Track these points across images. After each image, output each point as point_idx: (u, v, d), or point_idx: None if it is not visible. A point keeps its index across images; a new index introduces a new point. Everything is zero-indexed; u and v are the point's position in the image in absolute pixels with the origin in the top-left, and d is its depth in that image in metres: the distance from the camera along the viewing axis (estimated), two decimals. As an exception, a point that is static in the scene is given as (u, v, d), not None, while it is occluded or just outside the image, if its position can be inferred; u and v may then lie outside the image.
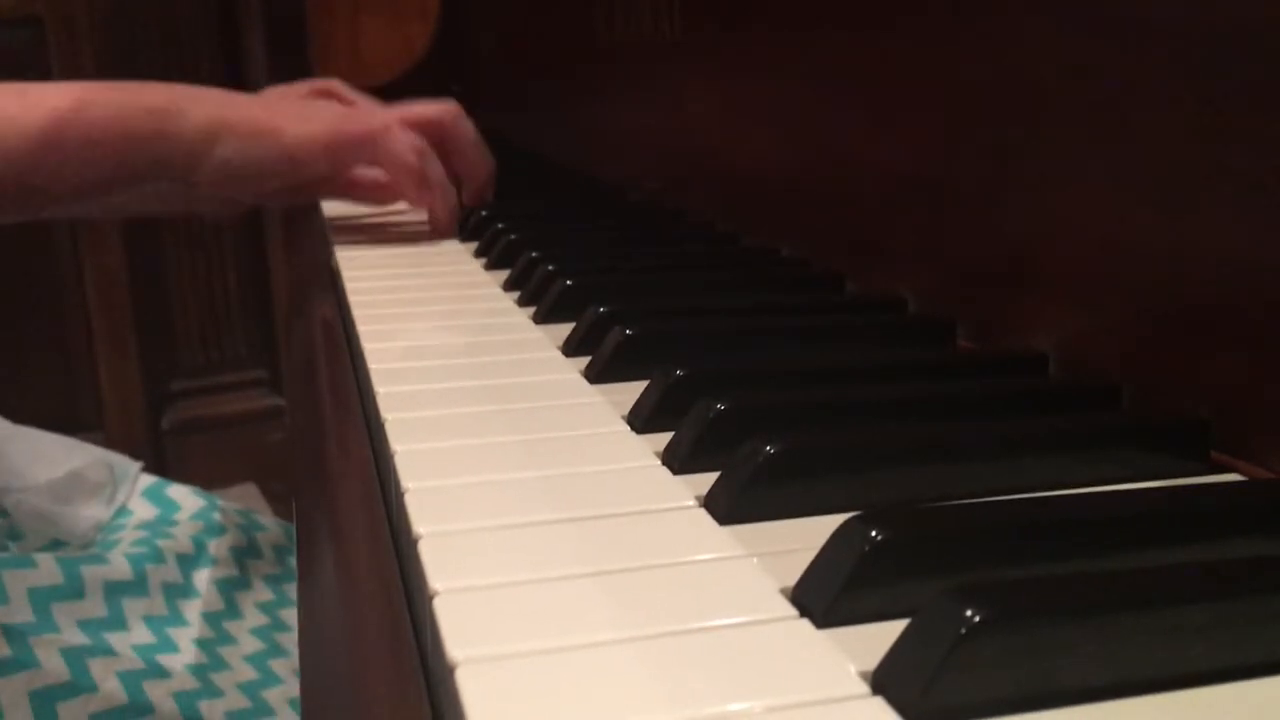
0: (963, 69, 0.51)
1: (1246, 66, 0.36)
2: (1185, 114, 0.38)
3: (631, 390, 0.43)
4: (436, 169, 0.77)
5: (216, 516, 0.82)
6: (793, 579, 0.28)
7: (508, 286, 0.64)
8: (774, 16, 0.69)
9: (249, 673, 0.72)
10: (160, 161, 0.67)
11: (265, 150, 0.68)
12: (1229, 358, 0.37)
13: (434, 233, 0.80)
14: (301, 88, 0.97)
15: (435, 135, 0.80)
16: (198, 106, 0.67)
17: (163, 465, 1.99)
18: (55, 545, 0.77)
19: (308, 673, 0.32)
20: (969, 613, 0.22)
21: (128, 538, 0.78)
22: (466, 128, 0.82)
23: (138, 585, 0.71)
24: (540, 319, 0.56)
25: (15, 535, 0.75)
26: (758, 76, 0.72)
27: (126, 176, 0.68)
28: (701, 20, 0.80)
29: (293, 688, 0.72)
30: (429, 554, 0.30)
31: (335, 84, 0.97)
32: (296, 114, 0.70)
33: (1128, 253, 0.41)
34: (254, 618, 0.78)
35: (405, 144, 0.74)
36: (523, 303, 0.60)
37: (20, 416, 0.84)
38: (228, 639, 0.74)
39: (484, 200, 0.85)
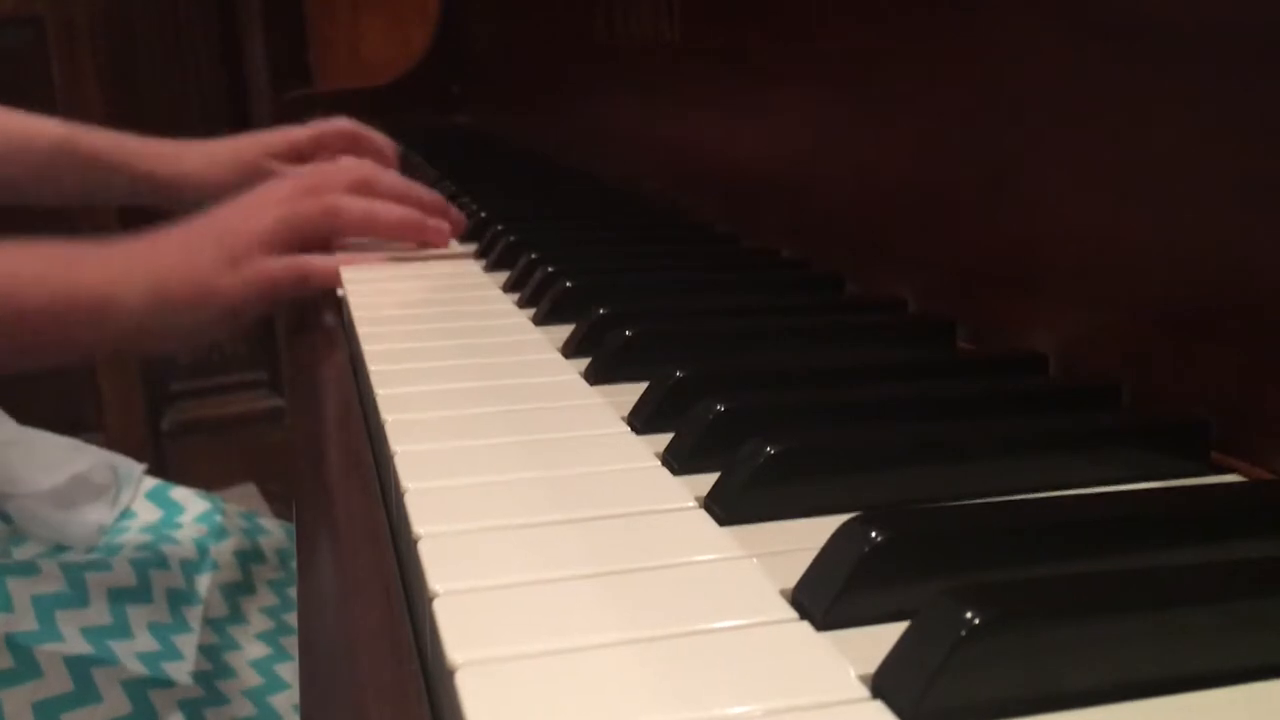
0: (963, 69, 0.51)
1: (1247, 67, 0.36)
2: (1186, 114, 0.38)
3: (631, 391, 0.43)
4: (386, 182, 0.75)
5: (220, 520, 0.82)
6: (793, 580, 0.28)
7: (508, 288, 0.64)
8: (773, 17, 0.69)
9: (254, 679, 0.72)
10: (94, 342, 0.67)
11: (206, 314, 0.67)
12: (1229, 358, 0.37)
13: (431, 243, 0.78)
14: (261, 140, 0.96)
15: (350, 148, 0.78)
16: (134, 284, 0.65)
17: (162, 466, 1.99)
18: (59, 550, 0.77)
19: (307, 674, 0.32)
20: (969, 614, 0.22)
21: (131, 541, 0.78)
22: (387, 180, 0.79)
23: (141, 592, 0.71)
24: (540, 320, 0.56)
25: (19, 540, 0.75)
26: (757, 77, 0.72)
27: (52, 354, 0.67)
28: (701, 22, 0.80)
29: (298, 693, 0.72)
30: (429, 555, 0.30)
31: (287, 131, 0.96)
32: (221, 266, 0.67)
33: (1128, 253, 0.41)
34: (258, 623, 0.77)
35: (329, 265, 0.70)
36: (523, 304, 0.60)
37: (20, 417, 0.84)
38: (232, 645, 0.74)
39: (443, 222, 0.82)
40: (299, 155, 0.97)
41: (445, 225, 0.76)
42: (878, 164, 0.58)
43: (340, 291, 0.67)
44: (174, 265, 0.66)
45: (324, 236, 0.72)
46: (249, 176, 0.87)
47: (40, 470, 0.78)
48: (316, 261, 0.69)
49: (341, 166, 0.81)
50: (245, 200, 0.72)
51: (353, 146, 0.99)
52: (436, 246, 0.76)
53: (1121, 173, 0.41)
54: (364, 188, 0.74)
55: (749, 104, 0.73)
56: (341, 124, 1.00)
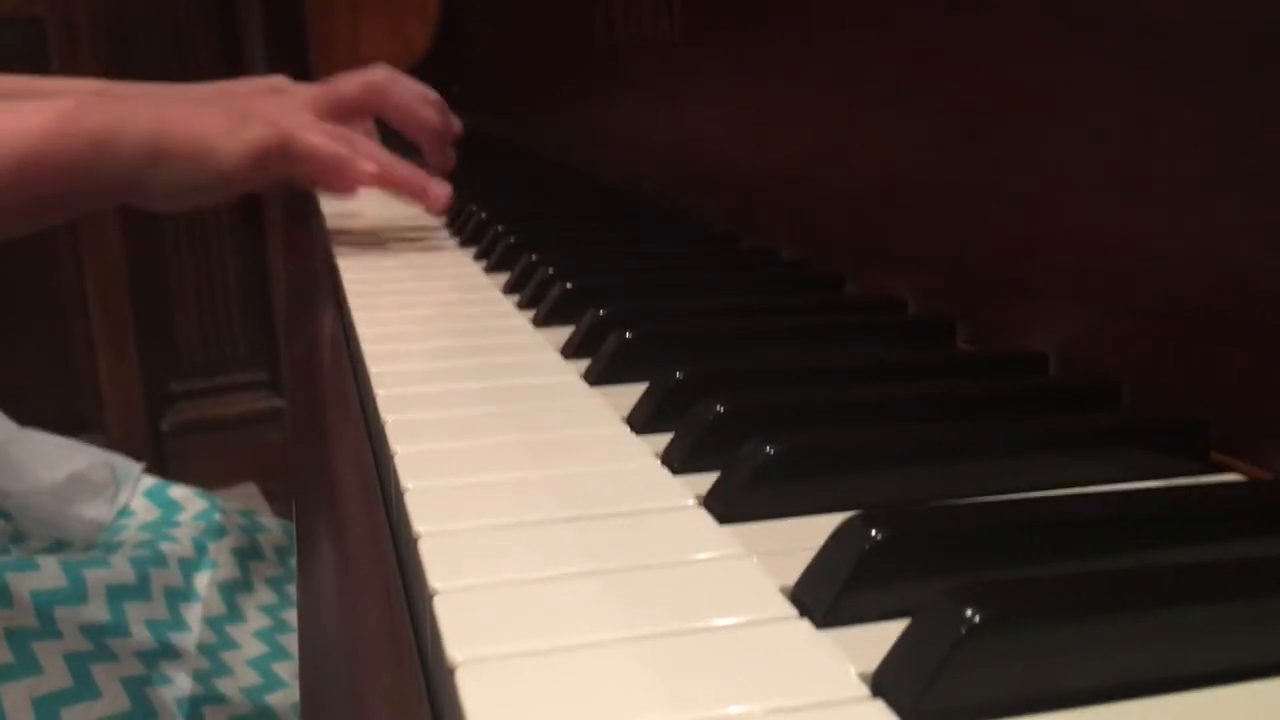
0: (963, 69, 0.51)
1: (1247, 67, 0.36)
2: (1186, 114, 0.39)
3: (631, 392, 0.43)
4: (366, 145, 0.75)
5: (218, 518, 0.82)
6: (793, 578, 0.28)
7: (508, 289, 0.64)
8: (774, 17, 0.69)
9: (253, 677, 0.72)
10: (98, 188, 0.67)
11: (200, 172, 0.67)
12: (1229, 358, 0.37)
13: (427, 205, 0.79)
14: (245, 86, 0.97)
15: (373, 107, 0.79)
16: (134, 126, 0.66)
17: (163, 466, 1.99)
18: (58, 547, 0.77)
19: (307, 673, 0.32)
20: (969, 613, 0.22)
21: (130, 539, 0.78)
22: (402, 86, 0.80)
23: (140, 589, 0.71)
24: (540, 321, 0.56)
25: (18, 538, 0.75)
26: (757, 77, 0.72)
27: (61, 201, 0.68)
28: (701, 20, 0.80)
29: (296, 692, 0.72)
30: (429, 553, 0.30)
31: (281, 81, 0.97)
32: (228, 128, 0.68)
33: (1128, 253, 0.41)
34: (256, 620, 0.77)
35: (315, 142, 0.71)
36: (523, 305, 0.60)
37: (20, 417, 0.84)
38: (230, 643, 0.74)
39: (448, 158, 0.83)
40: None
41: (445, 191, 0.79)
42: (878, 164, 0.58)
43: (337, 269, 0.68)
44: (177, 117, 0.68)
45: (362, 117, 0.72)
46: None
47: (39, 468, 0.78)
48: (311, 133, 0.71)
49: (352, 78, 0.81)
50: (268, 99, 0.73)
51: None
52: (433, 211, 0.80)
53: (1122, 173, 0.41)
54: (374, 98, 0.77)
55: (749, 103, 0.73)
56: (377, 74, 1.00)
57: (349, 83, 0.79)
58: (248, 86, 0.97)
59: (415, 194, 0.79)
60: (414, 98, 0.82)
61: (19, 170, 0.63)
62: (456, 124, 0.85)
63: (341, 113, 0.77)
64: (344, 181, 0.74)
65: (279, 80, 0.97)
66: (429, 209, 0.81)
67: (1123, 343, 0.42)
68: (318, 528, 0.40)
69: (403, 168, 0.78)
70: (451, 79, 1.72)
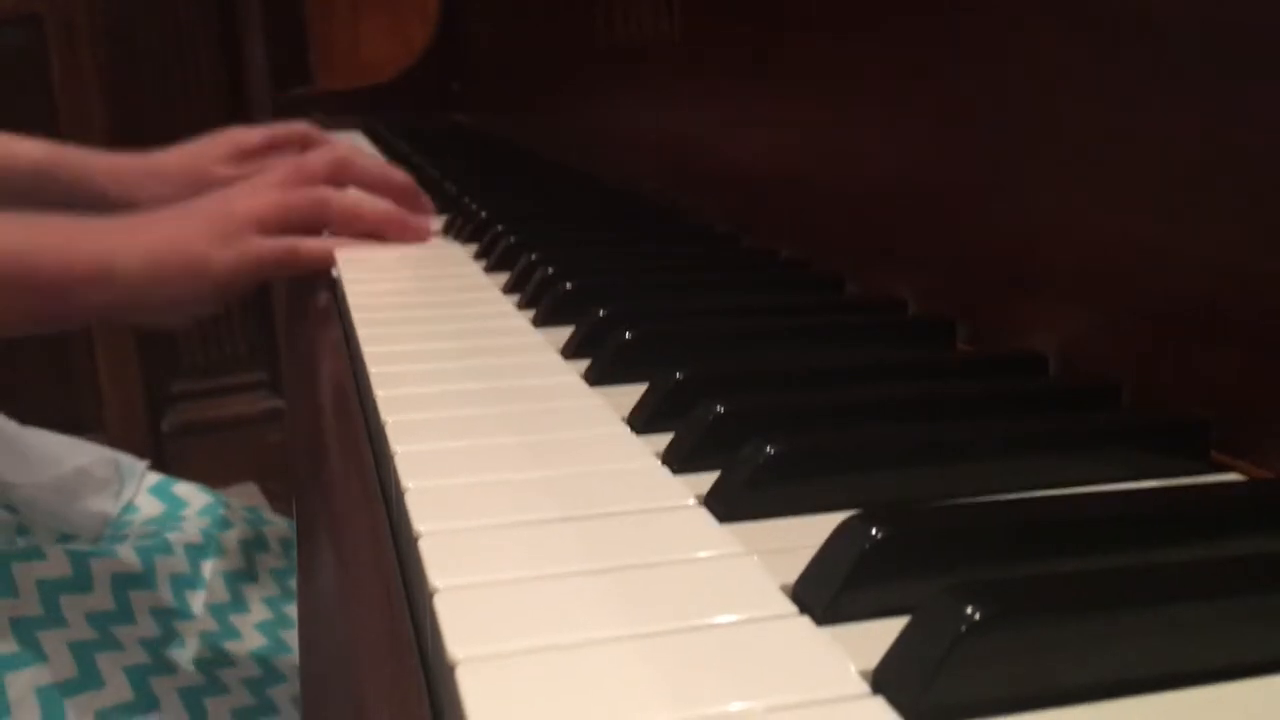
0: (963, 69, 0.51)
1: (1247, 67, 0.36)
2: (1185, 114, 0.39)
3: (631, 392, 0.43)
4: (342, 203, 0.76)
5: (223, 512, 0.83)
6: (793, 576, 0.28)
7: (508, 289, 0.64)
8: (774, 17, 0.69)
9: (254, 669, 0.73)
10: (98, 307, 0.69)
11: (196, 287, 0.69)
12: (1229, 358, 0.37)
13: (408, 241, 0.79)
14: (207, 149, 0.97)
15: (341, 179, 0.80)
16: (131, 252, 0.67)
17: (163, 466, 1.97)
18: (64, 540, 0.77)
19: (307, 671, 0.32)
20: (969, 610, 0.23)
21: (136, 532, 0.79)
22: (363, 161, 0.81)
23: (146, 577, 0.72)
24: (540, 322, 0.56)
25: (24, 531, 0.75)
26: (757, 76, 0.72)
27: (60, 320, 0.71)
28: (701, 20, 0.80)
29: (297, 685, 0.72)
30: (429, 552, 0.30)
31: (237, 136, 0.97)
32: (218, 239, 0.69)
33: (1128, 253, 0.41)
34: (259, 612, 0.78)
35: (319, 255, 0.72)
36: (523, 305, 0.60)
37: (20, 417, 0.84)
38: (233, 633, 0.75)
39: (426, 205, 0.83)
40: (248, 158, 0.97)
41: (425, 221, 0.79)
42: (878, 164, 0.58)
43: (335, 272, 0.68)
44: (169, 238, 0.69)
45: (312, 227, 0.74)
46: (199, 189, 0.86)
47: (44, 462, 0.78)
48: (308, 242, 0.72)
49: (317, 153, 0.82)
50: (239, 187, 0.75)
51: (305, 147, 0.98)
52: (416, 242, 0.79)
53: (1121, 172, 0.41)
54: (341, 169, 0.77)
55: (749, 103, 0.73)
56: (297, 126, 1.02)
57: (316, 159, 0.79)
58: (212, 151, 0.97)
59: (397, 234, 0.78)
60: (377, 165, 0.83)
61: (25, 287, 0.65)
62: (398, 177, 0.85)
63: (313, 184, 0.77)
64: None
65: (238, 135, 0.97)
66: (410, 242, 0.79)
67: (1123, 343, 0.42)
68: (318, 527, 0.40)
69: (377, 212, 0.77)
70: (451, 79, 1.72)
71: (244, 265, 0.70)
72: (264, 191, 0.73)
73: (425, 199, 0.83)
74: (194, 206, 0.72)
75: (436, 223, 0.84)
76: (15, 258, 0.65)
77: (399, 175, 0.83)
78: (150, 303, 0.70)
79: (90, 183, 0.95)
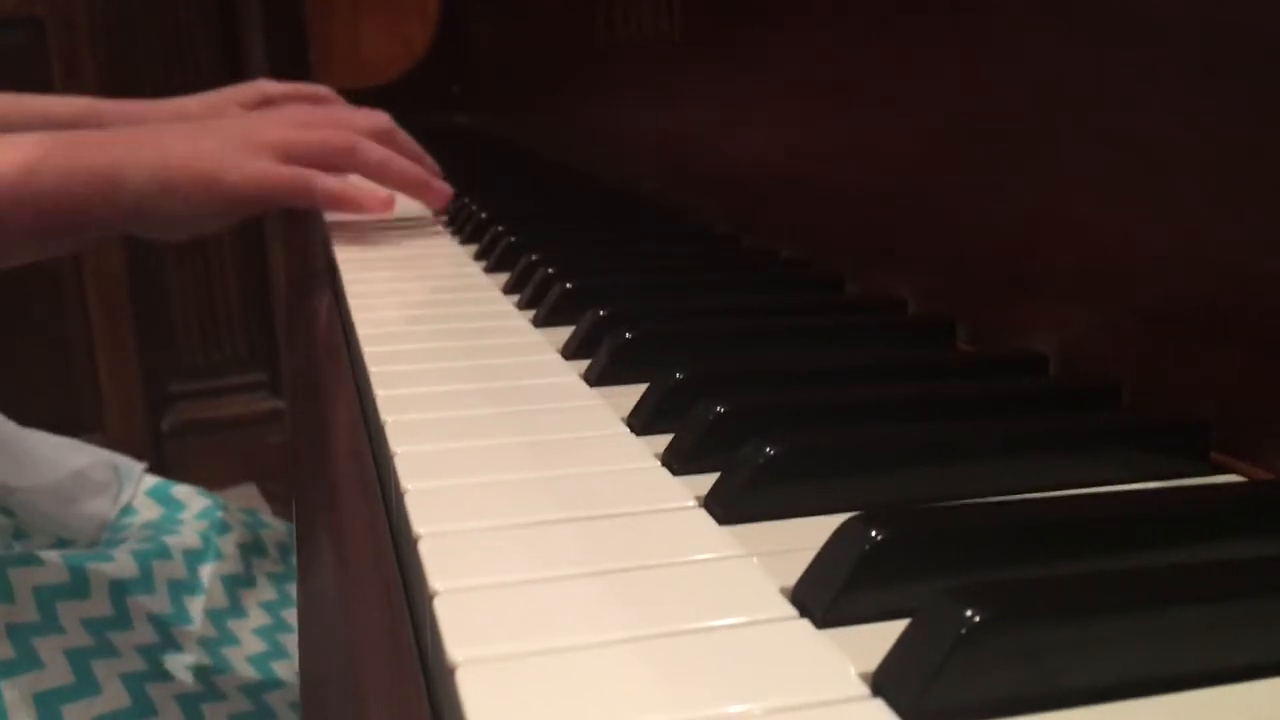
0: (962, 69, 0.51)
1: (1247, 67, 0.36)
2: (1185, 114, 0.39)
3: (631, 393, 0.43)
4: (365, 147, 0.76)
5: (221, 515, 0.82)
6: (793, 578, 0.28)
7: (508, 289, 0.64)
8: (774, 16, 0.69)
9: (252, 675, 0.72)
10: (105, 221, 0.68)
11: (205, 201, 0.69)
12: (1228, 358, 0.37)
13: (430, 203, 0.81)
14: (231, 94, 0.98)
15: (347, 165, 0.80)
16: (140, 160, 0.67)
17: (163, 467, 1.99)
18: (61, 544, 0.77)
19: (307, 672, 0.32)
20: (969, 613, 0.22)
21: (133, 536, 0.79)
22: (403, 134, 0.82)
23: (143, 582, 0.72)
24: (540, 322, 0.56)
25: (21, 535, 0.75)
26: (758, 77, 0.72)
27: (69, 234, 0.69)
28: (701, 20, 0.80)
29: (296, 691, 0.72)
30: (429, 554, 0.30)
31: (265, 84, 0.98)
32: (232, 157, 0.69)
33: (1127, 253, 0.41)
34: (257, 617, 0.78)
35: (334, 189, 0.73)
36: (523, 305, 0.60)
37: (20, 417, 0.84)
38: (231, 638, 0.74)
39: (444, 190, 0.84)
40: (271, 107, 0.99)
41: (448, 189, 0.81)
42: (878, 164, 0.58)
43: (336, 269, 0.68)
44: (181, 152, 0.69)
45: (335, 169, 0.74)
46: None
47: (42, 465, 0.78)
48: (325, 177, 0.72)
49: (365, 112, 0.83)
50: (267, 112, 0.75)
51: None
52: (435, 207, 0.82)
53: (1121, 173, 0.41)
54: (383, 136, 0.77)
55: (749, 103, 0.73)
56: (322, 90, 1.03)
57: (361, 116, 0.81)
58: (237, 96, 0.98)
59: (419, 191, 0.80)
60: (413, 142, 0.84)
61: (29, 206, 0.64)
62: (430, 162, 0.86)
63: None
64: (356, 210, 0.76)
65: (264, 85, 0.98)
66: (430, 206, 0.82)
67: (1123, 343, 0.42)
68: (318, 528, 0.40)
69: (405, 166, 0.79)
70: (451, 79, 1.72)
71: (255, 186, 0.69)
72: (294, 124, 0.73)
73: (448, 186, 0.84)
74: (215, 124, 0.72)
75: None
76: (18, 169, 0.64)
77: (430, 159, 0.84)
78: (156, 216, 0.69)
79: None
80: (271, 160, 0.70)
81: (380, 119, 0.81)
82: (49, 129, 0.90)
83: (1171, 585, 0.25)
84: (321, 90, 1.05)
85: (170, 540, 0.76)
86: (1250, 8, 0.36)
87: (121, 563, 0.71)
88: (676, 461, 0.36)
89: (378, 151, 0.76)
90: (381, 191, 0.77)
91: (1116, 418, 0.40)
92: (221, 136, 0.70)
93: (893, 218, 0.57)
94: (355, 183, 0.77)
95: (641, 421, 0.40)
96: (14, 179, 0.64)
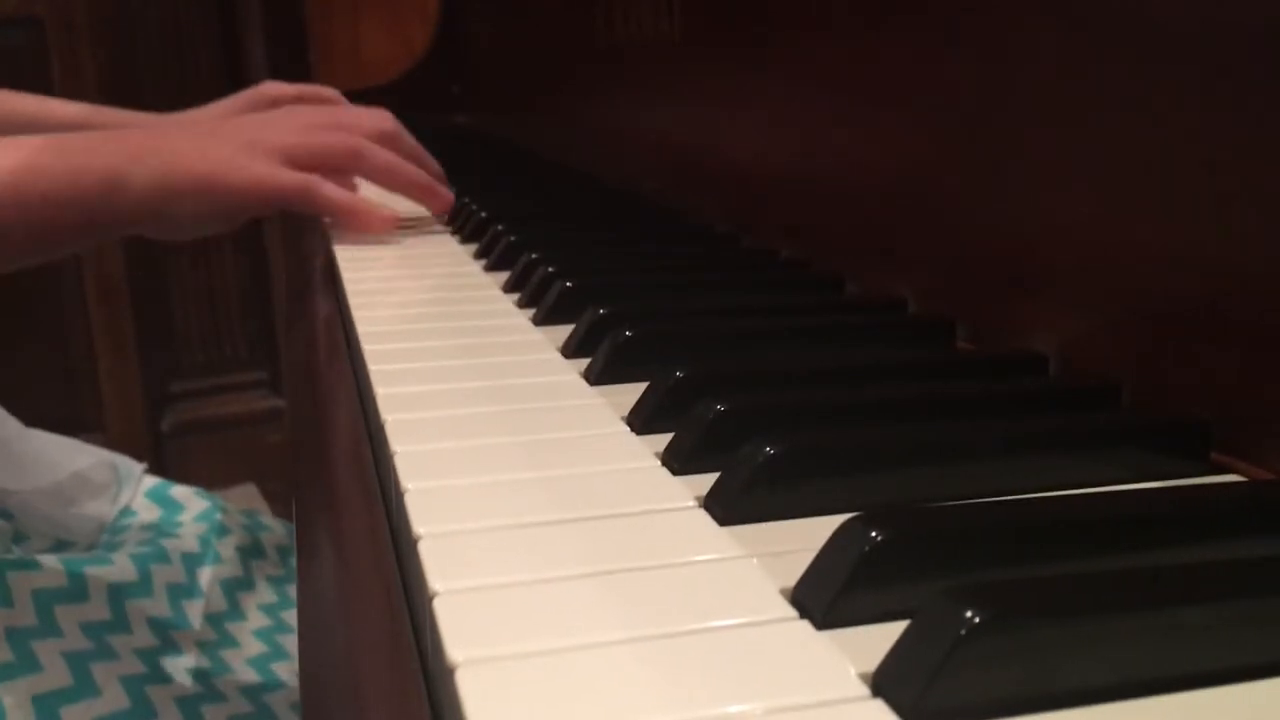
0: (962, 69, 0.51)
1: (1246, 67, 0.36)
2: (1185, 114, 0.39)
3: (631, 391, 0.43)
4: (371, 152, 0.77)
5: (220, 517, 0.82)
6: (793, 579, 0.28)
7: (508, 288, 0.64)
8: (774, 17, 0.69)
9: (251, 676, 0.72)
10: (109, 224, 0.69)
11: (208, 203, 0.69)
12: (1229, 358, 0.37)
13: (433, 207, 0.82)
14: (236, 103, 0.98)
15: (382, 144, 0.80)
16: (143, 165, 0.67)
17: (163, 466, 1.99)
18: (60, 546, 0.77)
19: (307, 673, 0.32)
20: (968, 613, 0.22)
21: (132, 538, 0.78)
22: (408, 137, 0.82)
23: (142, 586, 0.71)
24: (540, 320, 0.56)
25: (20, 538, 0.75)
26: (758, 77, 0.72)
27: (73, 237, 0.69)
28: (701, 20, 0.80)
29: (296, 692, 0.72)
30: (429, 554, 0.30)
31: (270, 87, 0.98)
32: (236, 160, 0.69)
33: (1128, 253, 0.41)
34: (256, 619, 0.78)
35: (336, 197, 0.73)
36: (523, 304, 0.60)
37: (20, 417, 0.84)
38: (230, 641, 0.74)
39: (447, 196, 0.84)
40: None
41: (450, 196, 0.81)
42: (878, 164, 0.58)
43: (337, 269, 0.68)
44: (185, 153, 0.69)
45: (340, 172, 0.74)
46: None
47: (41, 467, 0.78)
48: (329, 186, 0.72)
49: (370, 112, 0.83)
50: (272, 114, 0.75)
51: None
52: (439, 212, 0.82)
53: (1121, 173, 0.41)
54: (387, 140, 0.77)
55: (749, 103, 0.73)
56: (328, 92, 1.03)
57: (368, 118, 0.81)
58: (241, 104, 0.99)
59: (423, 196, 0.80)
60: (417, 145, 0.84)
61: (33, 209, 0.64)
62: (433, 164, 0.86)
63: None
64: (359, 228, 0.76)
65: (270, 89, 0.99)
66: (433, 212, 0.82)
67: (1123, 343, 0.42)
68: (318, 528, 0.40)
69: (410, 171, 0.79)
70: (451, 79, 1.72)
71: (258, 190, 0.69)
72: (299, 127, 0.74)
73: (449, 190, 0.84)
74: (219, 126, 0.72)
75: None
76: (21, 171, 0.64)
77: (433, 162, 0.84)
78: (160, 218, 0.69)
79: None
80: (276, 164, 0.70)
81: (384, 120, 0.81)
82: (45, 131, 0.90)
83: (1171, 585, 0.25)
84: (326, 91, 1.05)
85: (168, 544, 0.76)
86: (1250, 7, 0.36)
87: (120, 566, 0.71)
88: (676, 461, 0.36)
89: (382, 156, 0.76)
90: (384, 210, 0.78)
91: (1116, 418, 0.40)
92: (225, 139, 0.70)
93: (893, 218, 0.57)
94: (362, 193, 0.77)
95: (641, 421, 0.40)
96: (16, 181, 0.64)
